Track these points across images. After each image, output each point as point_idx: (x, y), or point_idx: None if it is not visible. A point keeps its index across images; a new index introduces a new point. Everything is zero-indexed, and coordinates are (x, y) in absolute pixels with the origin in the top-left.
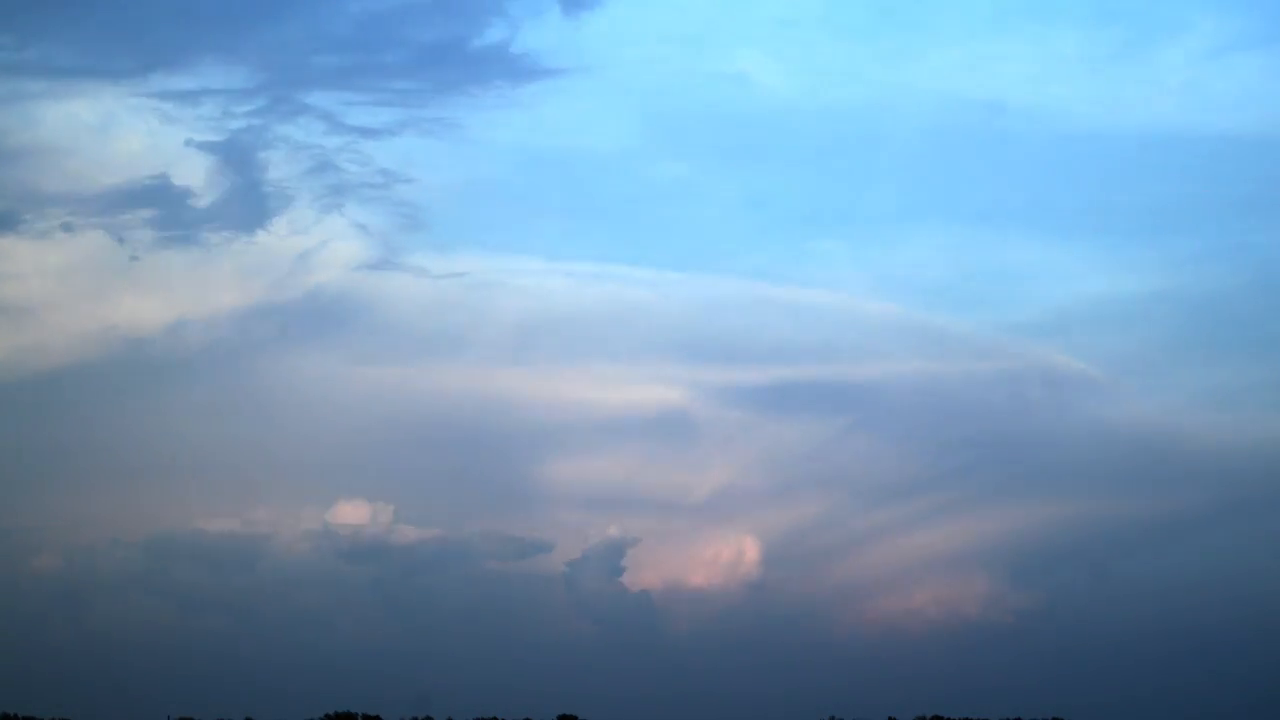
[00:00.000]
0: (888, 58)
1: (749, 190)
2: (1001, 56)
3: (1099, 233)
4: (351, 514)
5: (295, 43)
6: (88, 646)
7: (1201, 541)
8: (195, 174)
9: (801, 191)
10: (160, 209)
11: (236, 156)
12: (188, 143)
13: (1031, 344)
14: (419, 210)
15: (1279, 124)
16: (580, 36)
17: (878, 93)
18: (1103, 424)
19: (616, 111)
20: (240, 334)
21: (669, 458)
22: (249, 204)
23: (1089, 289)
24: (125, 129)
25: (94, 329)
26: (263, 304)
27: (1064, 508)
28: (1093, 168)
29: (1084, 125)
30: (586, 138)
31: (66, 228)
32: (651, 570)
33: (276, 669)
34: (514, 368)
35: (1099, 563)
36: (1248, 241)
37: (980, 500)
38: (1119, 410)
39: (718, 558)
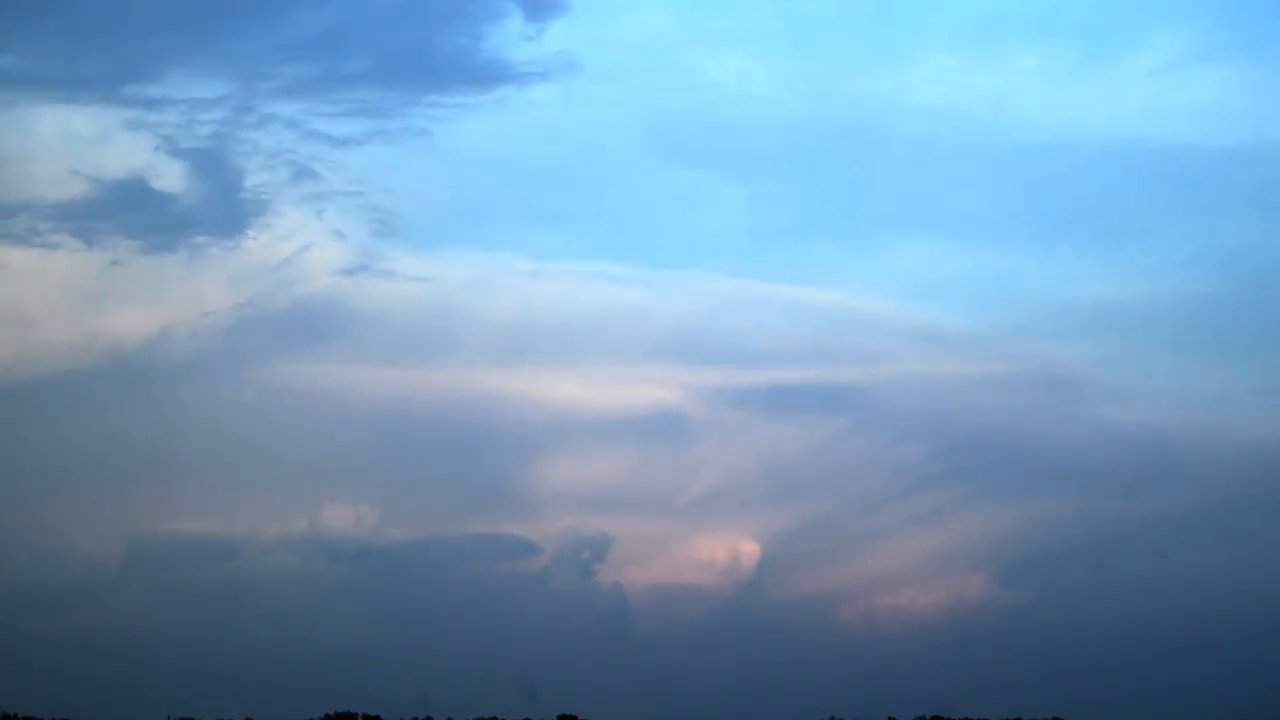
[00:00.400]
0: (853, 73)
1: (735, 193)
2: (962, 70)
3: (1069, 240)
4: (343, 516)
5: (262, 52)
6: (87, 646)
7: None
8: (172, 181)
9: (785, 196)
10: (137, 216)
11: (211, 164)
12: (158, 148)
13: (1032, 345)
14: (397, 215)
15: (1241, 135)
16: (545, 43)
17: (842, 107)
18: (1103, 425)
19: (584, 116)
20: (226, 339)
21: (663, 459)
22: (227, 210)
23: (1085, 291)
24: (96, 137)
25: (76, 337)
26: (246, 309)
27: (1062, 509)
28: (1055, 177)
29: (1046, 136)
30: (553, 144)
31: (41, 235)
32: (647, 571)
33: (276, 669)
34: (502, 369)
35: (1098, 563)
36: (1217, 247)
37: (978, 501)
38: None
39: (713, 558)
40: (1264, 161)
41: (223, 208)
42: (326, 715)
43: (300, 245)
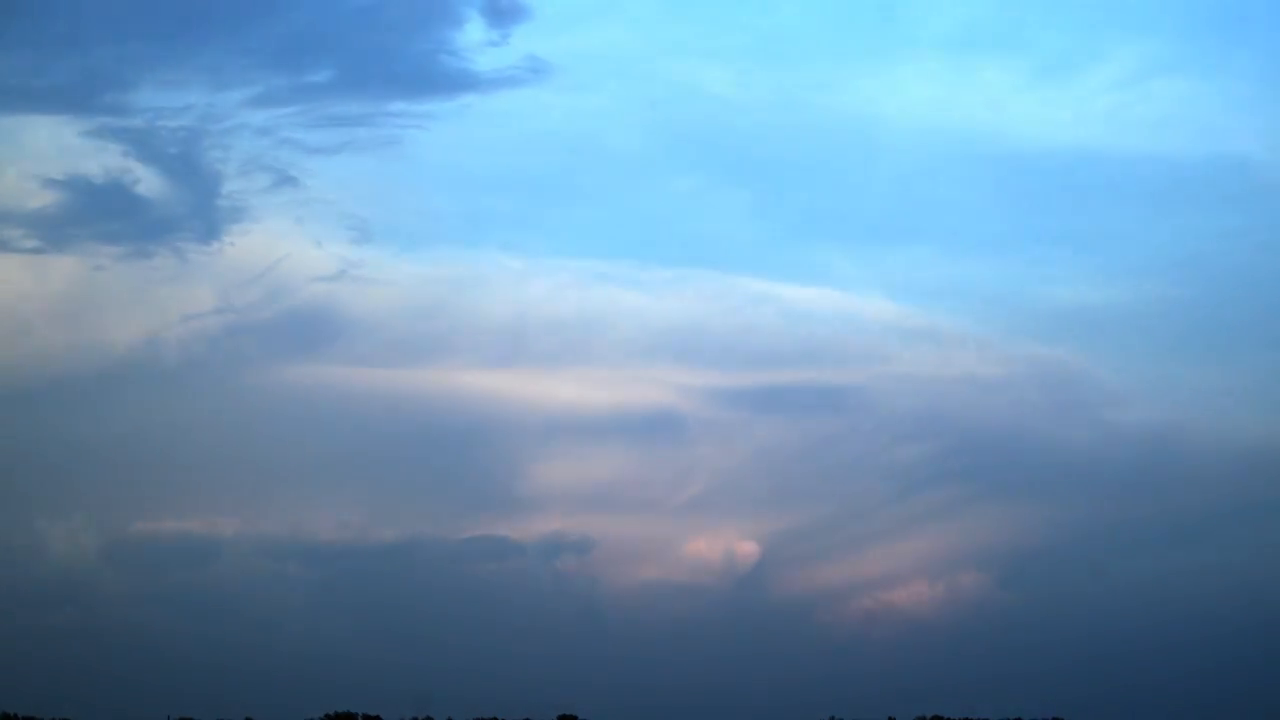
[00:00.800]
0: (822, 86)
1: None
2: (920, 81)
3: (1045, 245)
4: (341, 517)
5: (231, 60)
6: (85, 646)
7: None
8: (149, 187)
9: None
10: (115, 223)
11: (187, 171)
12: (129, 155)
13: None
14: (373, 220)
15: (1202, 145)
16: (511, 48)
17: (813, 117)
18: (1102, 426)
19: (560, 120)
20: (209, 344)
21: (659, 459)
22: (205, 217)
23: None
24: (68, 146)
25: (58, 342)
26: (228, 314)
27: (1061, 510)
28: (1019, 187)
29: (1008, 147)
30: (512, 154)
31: (17, 242)
32: (644, 571)
33: (276, 670)
34: (497, 370)
35: (1098, 564)
36: (1183, 253)
37: (976, 502)
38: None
39: (710, 558)
40: (1225, 172)
41: (200, 214)
42: (327, 715)
43: (280, 250)
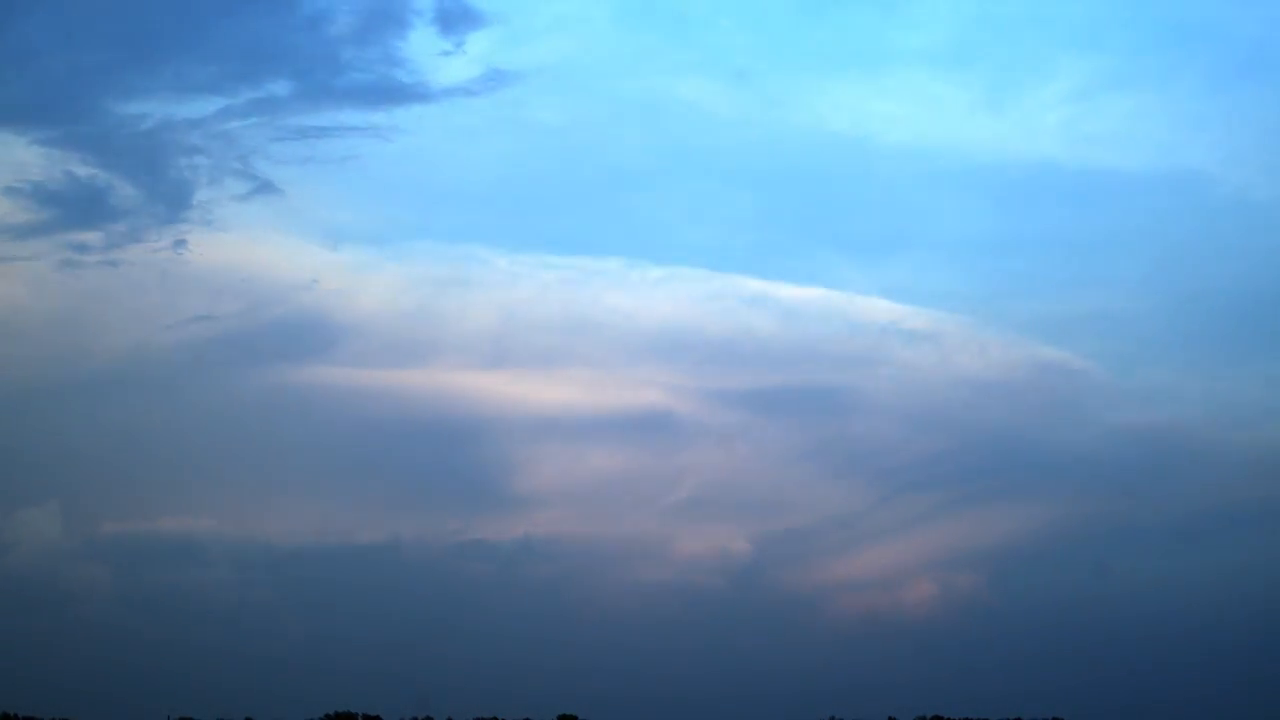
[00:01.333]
0: (780, 101)
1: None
2: (872, 96)
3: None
4: (339, 518)
5: (192, 71)
6: (82, 646)
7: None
8: (120, 198)
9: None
10: (83, 233)
11: (155, 180)
12: (90, 164)
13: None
14: (348, 226)
15: (1154, 160)
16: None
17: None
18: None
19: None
20: (189, 350)
21: (654, 459)
22: (175, 224)
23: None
24: (27, 158)
25: (35, 348)
26: (210, 322)
27: (1062, 509)
28: (974, 201)
29: (960, 162)
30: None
31: None
32: (639, 571)
33: (275, 670)
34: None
35: (1099, 564)
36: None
37: (974, 502)
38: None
39: (705, 558)
40: (1175, 186)
41: (169, 222)
42: (327, 715)
43: (254, 257)
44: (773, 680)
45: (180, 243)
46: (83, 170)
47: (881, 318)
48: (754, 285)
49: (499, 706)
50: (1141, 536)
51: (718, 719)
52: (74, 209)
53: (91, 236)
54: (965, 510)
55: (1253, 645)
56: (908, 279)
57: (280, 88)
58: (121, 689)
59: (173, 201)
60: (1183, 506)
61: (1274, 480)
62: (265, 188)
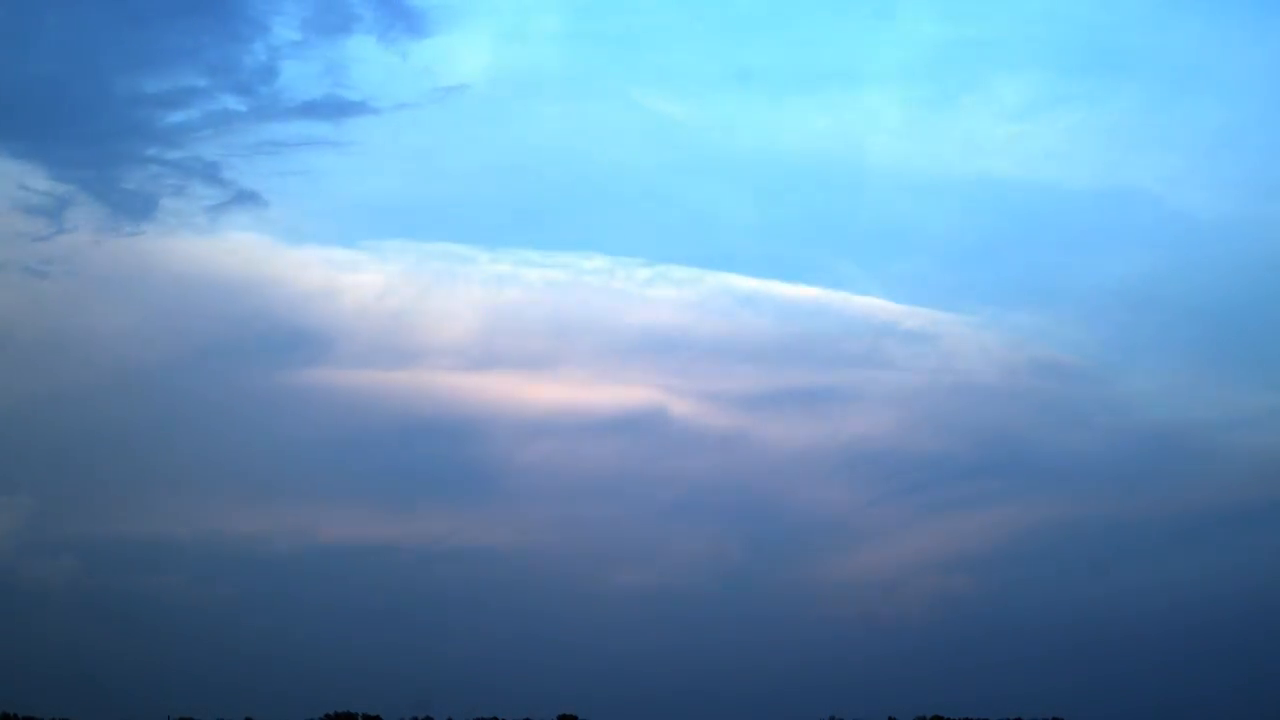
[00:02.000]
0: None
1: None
2: (813, 111)
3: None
4: (339, 518)
5: (142, 80)
6: (83, 646)
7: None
8: (78, 214)
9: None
10: (55, 243)
11: (120, 193)
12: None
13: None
14: (302, 227)
15: (1094, 176)
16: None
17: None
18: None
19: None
20: (168, 353)
21: (647, 460)
22: (143, 230)
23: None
24: None
25: (19, 351)
26: (194, 326)
27: (1061, 509)
28: (921, 214)
29: (905, 178)
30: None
31: None
32: (635, 571)
33: (275, 669)
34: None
35: (1099, 564)
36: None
37: (974, 502)
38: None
39: (701, 558)
40: (1118, 202)
41: (133, 234)
42: (327, 715)
43: (227, 262)
44: (772, 680)
45: (146, 252)
46: (42, 183)
47: (879, 317)
48: (748, 284)
49: (499, 706)
50: (1141, 536)
51: (717, 719)
52: (37, 220)
53: (53, 246)
54: (963, 510)
55: (1252, 645)
56: (905, 278)
57: (237, 102)
58: (121, 690)
59: (136, 212)
60: (1183, 506)
61: (1274, 480)
62: (238, 195)
